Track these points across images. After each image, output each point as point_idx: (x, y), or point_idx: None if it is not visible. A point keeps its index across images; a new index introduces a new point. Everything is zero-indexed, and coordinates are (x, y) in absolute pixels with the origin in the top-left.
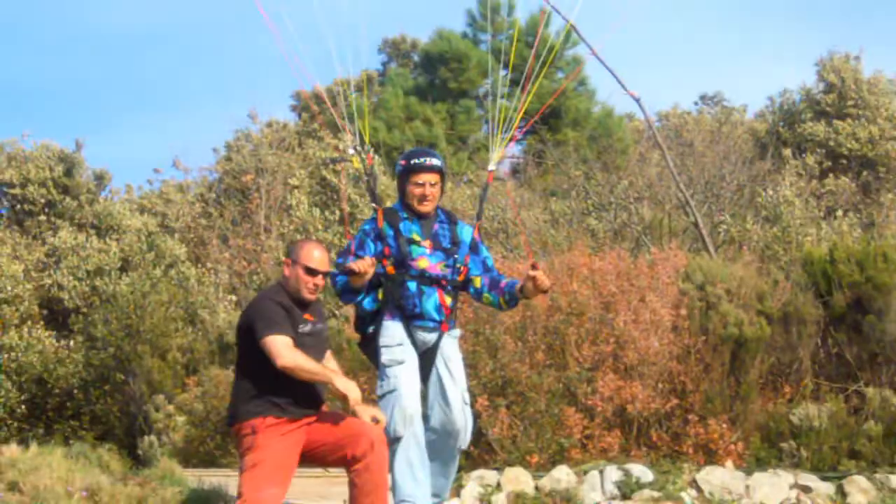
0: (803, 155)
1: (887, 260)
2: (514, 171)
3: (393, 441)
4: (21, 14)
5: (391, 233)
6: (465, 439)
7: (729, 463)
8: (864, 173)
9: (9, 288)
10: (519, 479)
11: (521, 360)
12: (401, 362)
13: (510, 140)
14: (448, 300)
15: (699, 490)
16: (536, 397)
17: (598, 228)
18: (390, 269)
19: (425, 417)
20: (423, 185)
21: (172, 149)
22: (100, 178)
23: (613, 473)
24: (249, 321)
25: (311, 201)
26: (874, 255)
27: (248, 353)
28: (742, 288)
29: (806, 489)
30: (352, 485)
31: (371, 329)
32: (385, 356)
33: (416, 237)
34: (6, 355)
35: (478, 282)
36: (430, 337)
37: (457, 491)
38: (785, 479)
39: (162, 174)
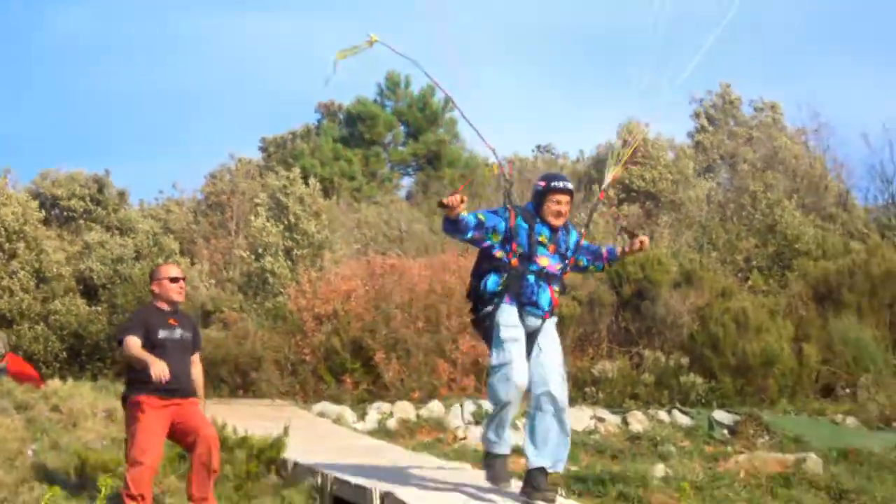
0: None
1: (660, 263)
2: (408, 196)
3: (500, 404)
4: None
5: (525, 227)
6: (564, 407)
7: None
8: (648, 203)
9: (54, 269)
10: (405, 409)
11: (406, 326)
12: (515, 339)
13: (617, 171)
14: (556, 295)
15: None
16: (417, 352)
17: None
18: (514, 262)
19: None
20: (559, 202)
21: (172, 175)
22: (122, 195)
23: (470, 406)
24: (118, 331)
25: (267, 216)
26: (651, 260)
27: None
28: None
29: (601, 419)
30: (191, 462)
31: (489, 308)
32: (503, 332)
33: (544, 239)
34: (53, 317)
35: (582, 262)
36: (537, 322)
37: (362, 416)
38: (587, 412)
39: (164, 193)
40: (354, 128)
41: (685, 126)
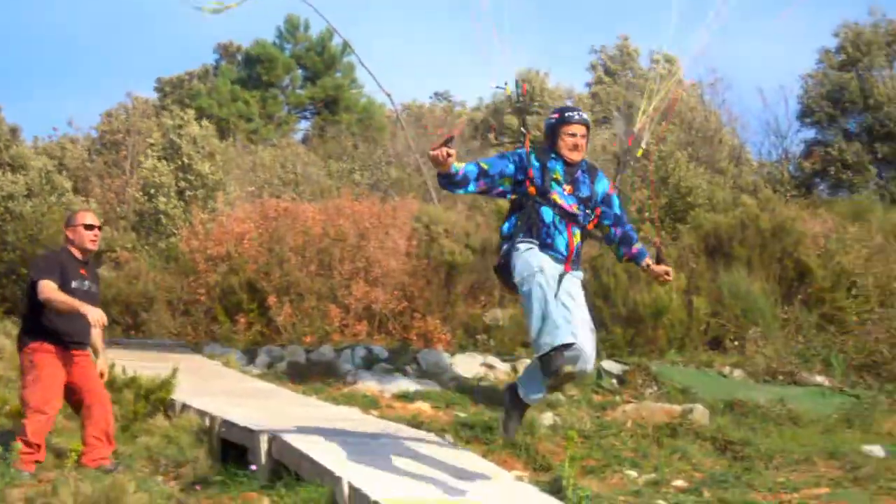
0: (502, 138)
1: None
2: (304, 140)
3: (532, 273)
4: None
5: (538, 165)
6: (590, 362)
7: (440, 347)
8: None
9: None
10: (296, 352)
11: (300, 269)
12: (540, 255)
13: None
14: (576, 239)
15: (419, 364)
16: (310, 296)
17: (360, 182)
18: (531, 189)
19: None
20: (574, 135)
21: (67, 112)
22: (14, 131)
23: (361, 351)
24: (31, 270)
25: (158, 156)
26: None
27: (31, 294)
28: (455, 228)
29: (490, 366)
30: (82, 419)
31: (505, 246)
32: (522, 245)
33: (558, 176)
34: None
35: (607, 229)
36: (558, 268)
37: (252, 359)
38: (477, 359)
39: (58, 130)
40: (252, 70)
41: (583, 77)
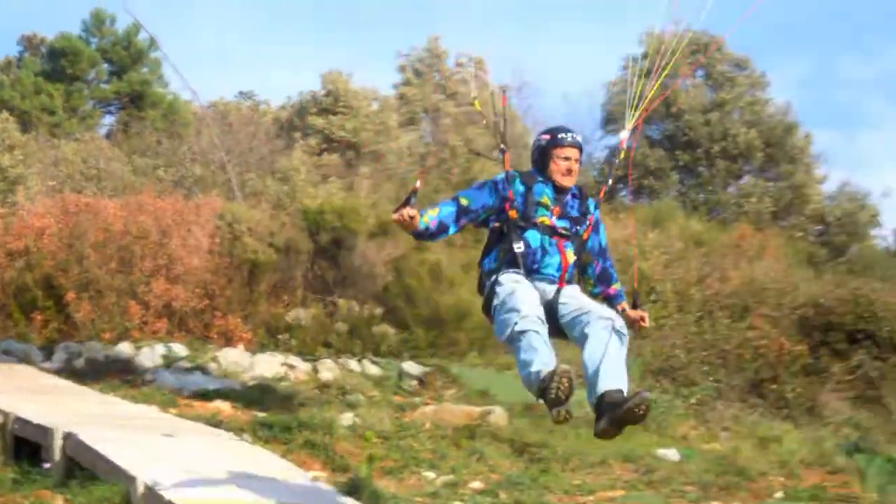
0: (308, 137)
1: (357, 213)
2: (108, 135)
3: (512, 332)
4: None
5: (522, 190)
6: (618, 322)
7: (241, 346)
8: (349, 153)
9: None
10: (94, 349)
11: (100, 266)
12: (518, 281)
13: (641, 114)
14: (571, 258)
15: (219, 363)
16: (110, 293)
17: (164, 178)
18: (513, 213)
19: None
20: (569, 159)
21: None
22: None
23: (160, 349)
24: None
25: None
26: (349, 209)
27: None
28: (259, 226)
29: (292, 366)
30: None
31: (488, 283)
32: (503, 279)
33: (546, 200)
34: None
35: (588, 259)
36: (550, 288)
37: (49, 356)
38: (278, 359)
39: None
40: (57, 63)
41: (392, 78)
